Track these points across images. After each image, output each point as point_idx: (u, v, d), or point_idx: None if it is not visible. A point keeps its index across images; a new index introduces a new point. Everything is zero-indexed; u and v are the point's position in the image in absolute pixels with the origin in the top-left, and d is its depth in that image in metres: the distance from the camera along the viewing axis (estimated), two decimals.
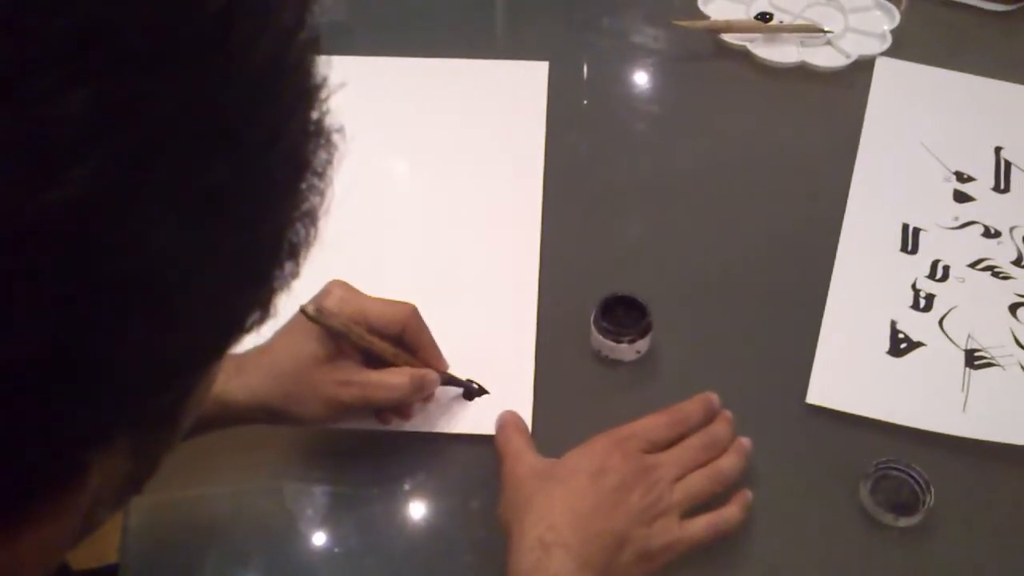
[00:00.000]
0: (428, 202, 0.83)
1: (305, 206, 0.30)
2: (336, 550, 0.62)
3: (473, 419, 0.66)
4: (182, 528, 0.63)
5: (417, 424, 0.66)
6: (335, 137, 0.30)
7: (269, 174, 0.28)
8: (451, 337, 0.70)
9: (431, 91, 0.93)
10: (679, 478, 0.60)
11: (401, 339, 0.64)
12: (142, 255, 0.24)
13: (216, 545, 0.62)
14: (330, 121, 0.30)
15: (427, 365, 0.64)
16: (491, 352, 0.70)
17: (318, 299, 0.61)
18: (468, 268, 0.77)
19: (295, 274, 0.31)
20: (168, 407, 0.30)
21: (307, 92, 0.29)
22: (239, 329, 0.30)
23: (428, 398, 0.66)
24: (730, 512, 0.60)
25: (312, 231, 0.31)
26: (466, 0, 1.06)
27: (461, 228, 0.80)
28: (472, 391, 0.68)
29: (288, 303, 0.32)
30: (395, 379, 0.62)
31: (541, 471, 0.59)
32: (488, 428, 0.65)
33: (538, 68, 0.94)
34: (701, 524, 0.59)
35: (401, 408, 0.65)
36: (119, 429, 0.28)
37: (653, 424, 0.62)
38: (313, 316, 0.60)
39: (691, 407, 0.63)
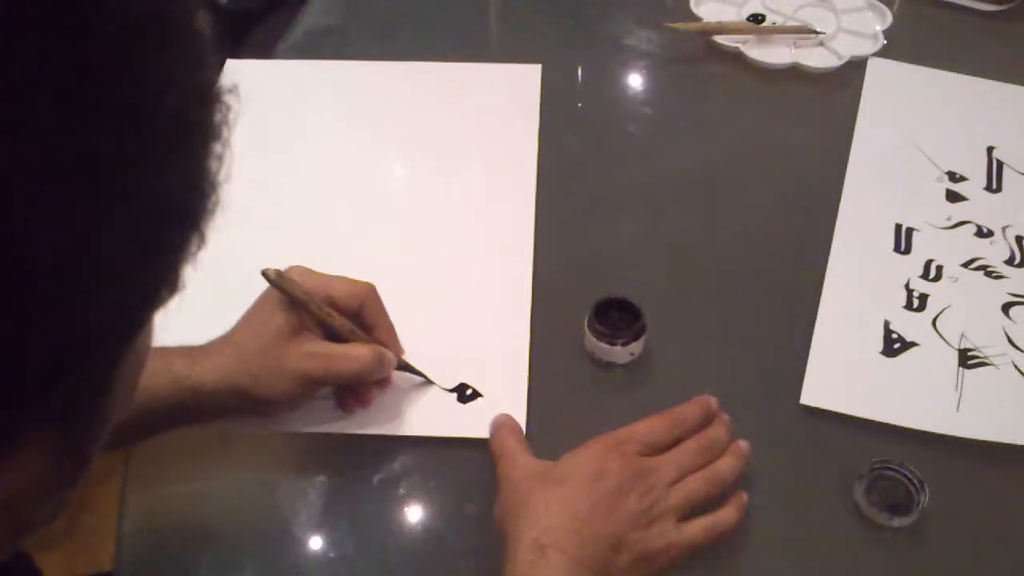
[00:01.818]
0: (421, 205, 0.83)
1: (201, 171, 0.29)
2: (331, 555, 0.62)
3: (467, 422, 0.66)
4: (177, 534, 0.63)
5: (411, 428, 0.66)
6: (228, 98, 0.29)
7: (156, 137, 0.26)
8: (445, 340, 0.71)
9: (425, 95, 0.93)
10: (676, 481, 0.60)
11: (360, 317, 0.64)
12: (22, 228, 0.23)
13: (211, 551, 0.62)
14: (223, 82, 0.29)
15: (384, 346, 0.65)
16: (485, 355, 0.70)
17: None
18: (462, 271, 0.77)
19: (200, 244, 0.30)
20: (85, 395, 0.29)
21: (194, 51, 0.28)
22: (145, 306, 0.29)
23: (385, 383, 0.67)
24: (727, 514, 0.60)
25: (212, 198, 0.29)
26: (460, 3, 1.06)
27: (455, 231, 0.80)
28: (465, 395, 0.68)
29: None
30: (358, 351, 0.63)
31: (537, 473, 0.59)
32: (482, 431, 0.65)
33: (531, 71, 0.94)
34: (698, 527, 0.59)
35: (362, 393, 0.66)
36: (28, 420, 0.27)
37: (650, 427, 0.62)
38: (274, 279, 0.61)
39: (688, 410, 0.63)
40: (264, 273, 0.61)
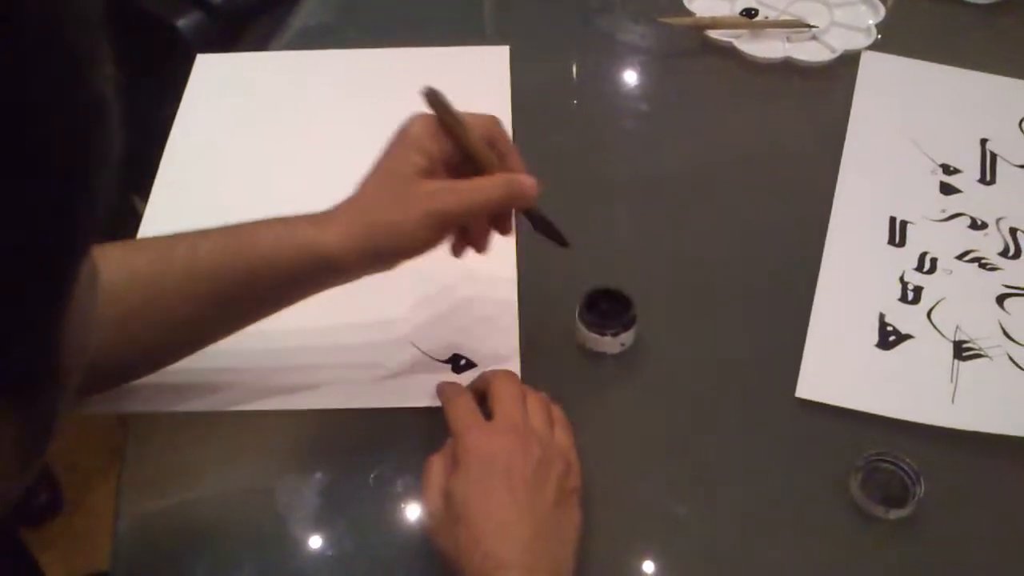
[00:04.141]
0: None
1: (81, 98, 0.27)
2: (329, 553, 0.62)
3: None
4: (173, 535, 0.63)
5: (407, 399, 0.67)
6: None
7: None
8: (433, 330, 0.72)
9: (394, 79, 0.93)
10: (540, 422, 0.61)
11: (490, 143, 0.61)
12: None
13: (207, 551, 0.62)
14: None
15: None
16: (475, 346, 0.71)
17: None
18: (446, 261, 0.77)
19: (105, 184, 0.28)
20: (25, 360, 0.28)
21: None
22: (68, 252, 0.28)
23: (507, 226, 0.63)
24: (556, 409, 0.63)
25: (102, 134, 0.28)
26: (454, 3, 1.06)
27: None
28: (459, 365, 0.69)
29: None
30: (492, 179, 0.59)
31: (439, 527, 0.57)
32: None
33: (499, 52, 0.95)
34: (562, 433, 0.61)
35: (478, 236, 0.63)
36: None
37: (506, 399, 0.61)
38: (434, 96, 0.58)
39: (494, 380, 0.63)
40: (426, 91, 0.58)
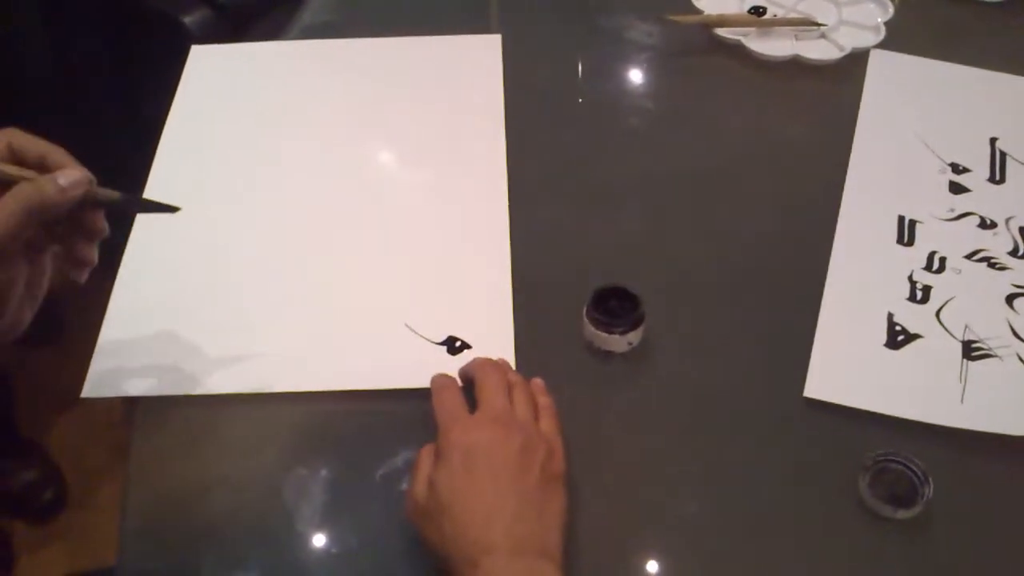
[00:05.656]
0: (389, 190, 0.83)
1: None
2: (334, 551, 0.62)
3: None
4: (179, 530, 0.63)
5: (403, 380, 0.67)
6: None
7: None
8: (428, 312, 0.72)
9: (388, 70, 0.94)
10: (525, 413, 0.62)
11: (21, 160, 0.56)
12: None
13: (214, 547, 0.62)
14: None
15: None
16: (471, 328, 0.71)
17: None
18: (439, 244, 0.77)
19: None
20: None
21: None
22: None
23: (93, 229, 0.58)
24: (545, 400, 0.64)
25: None
26: (459, 1, 1.06)
27: (428, 216, 0.80)
28: (455, 347, 0.70)
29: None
30: (11, 191, 0.54)
31: (420, 510, 0.58)
32: None
33: (490, 41, 0.95)
34: (548, 423, 0.62)
35: (73, 251, 0.58)
36: None
37: (490, 389, 0.63)
38: None
39: (479, 369, 0.65)
40: None
